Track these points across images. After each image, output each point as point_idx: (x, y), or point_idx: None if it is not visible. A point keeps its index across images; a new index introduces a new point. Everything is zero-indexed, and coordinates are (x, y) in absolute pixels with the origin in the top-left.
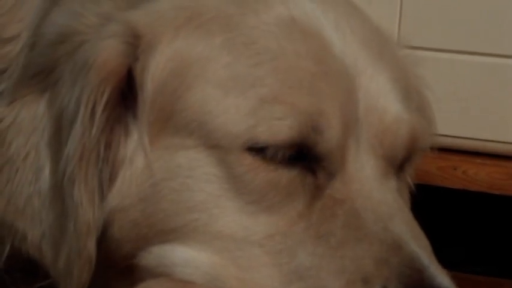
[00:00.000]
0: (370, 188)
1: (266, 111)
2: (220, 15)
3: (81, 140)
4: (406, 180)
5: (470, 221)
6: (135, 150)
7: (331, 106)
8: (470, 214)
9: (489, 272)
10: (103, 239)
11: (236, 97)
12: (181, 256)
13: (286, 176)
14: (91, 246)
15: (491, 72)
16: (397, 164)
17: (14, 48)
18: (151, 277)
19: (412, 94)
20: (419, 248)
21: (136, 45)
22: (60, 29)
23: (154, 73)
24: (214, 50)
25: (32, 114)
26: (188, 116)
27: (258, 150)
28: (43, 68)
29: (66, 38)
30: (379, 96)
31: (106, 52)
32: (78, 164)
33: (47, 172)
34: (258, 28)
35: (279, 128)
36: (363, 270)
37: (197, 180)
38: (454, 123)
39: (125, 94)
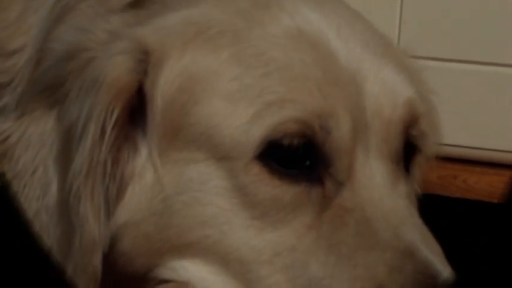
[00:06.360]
0: (380, 195)
1: (274, 110)
2: (228, 28)
3: (88, 157)
4: (413, 185)
5: (470, 230)
6: (144, 165)
7: (340, 109)
8: (470, 223)
9: None
10: (111, 254)
11: (245, 108)
12: (198, 275)
13: (290, 192)
14: (96, 262)
15: (491, 81)
16: (400, 149)
17: (18, 62)
18: None
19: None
20: (432, 254)
21: (146, 62)
22: (68, 46)
23: (163, 89)
24: (222, 64)
25: (40, 130)
26: (197, 129)
27: (266, 160)
28: (51, 84)
29: (75, 54)
30: (386, 91)
31: (116, 69)
32: (84, 181)
33: (54, 188)
34: (265, 40)
35: (286, 116)
36: (377, 278)
37: (207, 193)
38: (455, 132)
39: (134, 110)
